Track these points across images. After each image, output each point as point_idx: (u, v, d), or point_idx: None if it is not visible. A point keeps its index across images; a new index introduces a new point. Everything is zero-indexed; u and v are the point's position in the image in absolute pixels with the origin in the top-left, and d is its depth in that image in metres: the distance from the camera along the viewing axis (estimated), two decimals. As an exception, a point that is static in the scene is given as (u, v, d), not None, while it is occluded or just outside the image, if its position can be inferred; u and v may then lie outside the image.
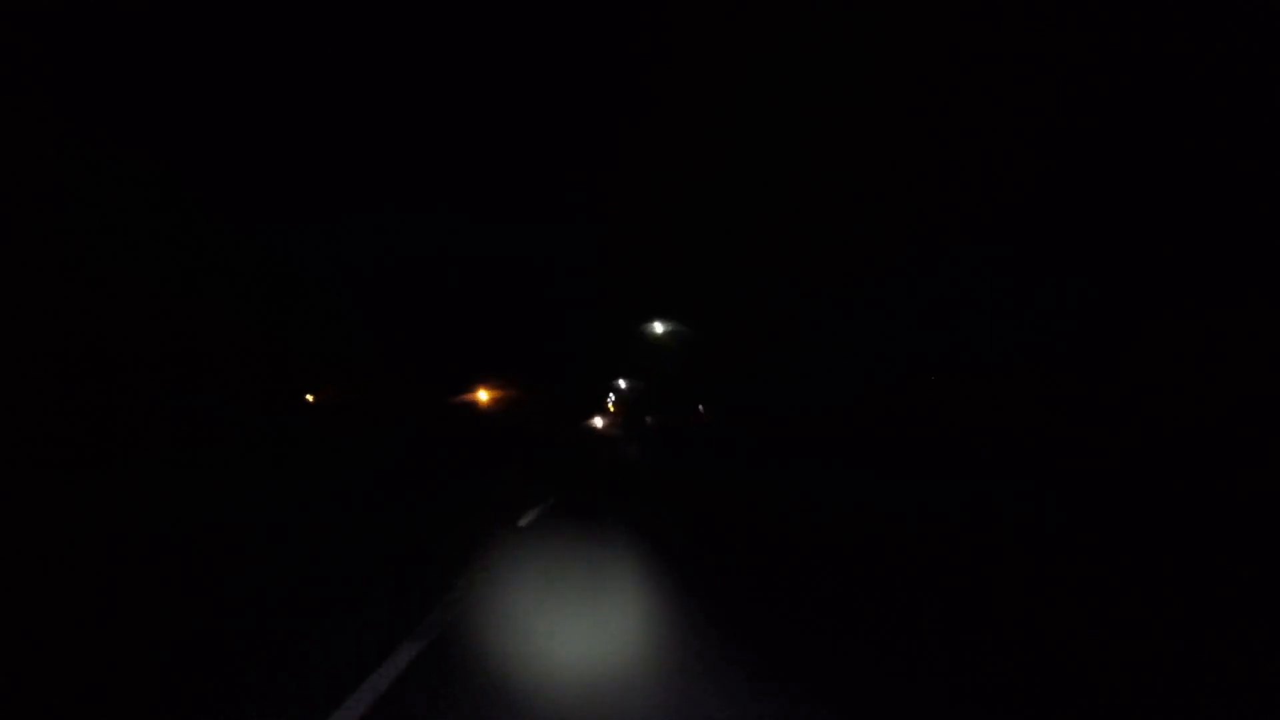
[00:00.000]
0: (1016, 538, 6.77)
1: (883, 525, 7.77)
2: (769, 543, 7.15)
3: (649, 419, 57.72)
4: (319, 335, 23.81)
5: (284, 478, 15.55)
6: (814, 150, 20.36)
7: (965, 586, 5.12)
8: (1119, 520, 7.40)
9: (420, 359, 30.49)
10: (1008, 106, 14.75)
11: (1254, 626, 4.05)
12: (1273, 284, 10.93)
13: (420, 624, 4.43)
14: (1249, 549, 5.88)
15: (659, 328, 36.04)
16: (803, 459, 17.38)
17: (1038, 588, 4.99)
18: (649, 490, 13.00)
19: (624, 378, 64.66)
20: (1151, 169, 12.59)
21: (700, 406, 43.65)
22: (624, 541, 7.27)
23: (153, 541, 7.89)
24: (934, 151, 16.93)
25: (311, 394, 26.29)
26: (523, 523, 8.42)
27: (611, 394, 73.79)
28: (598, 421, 66.83)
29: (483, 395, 36.48)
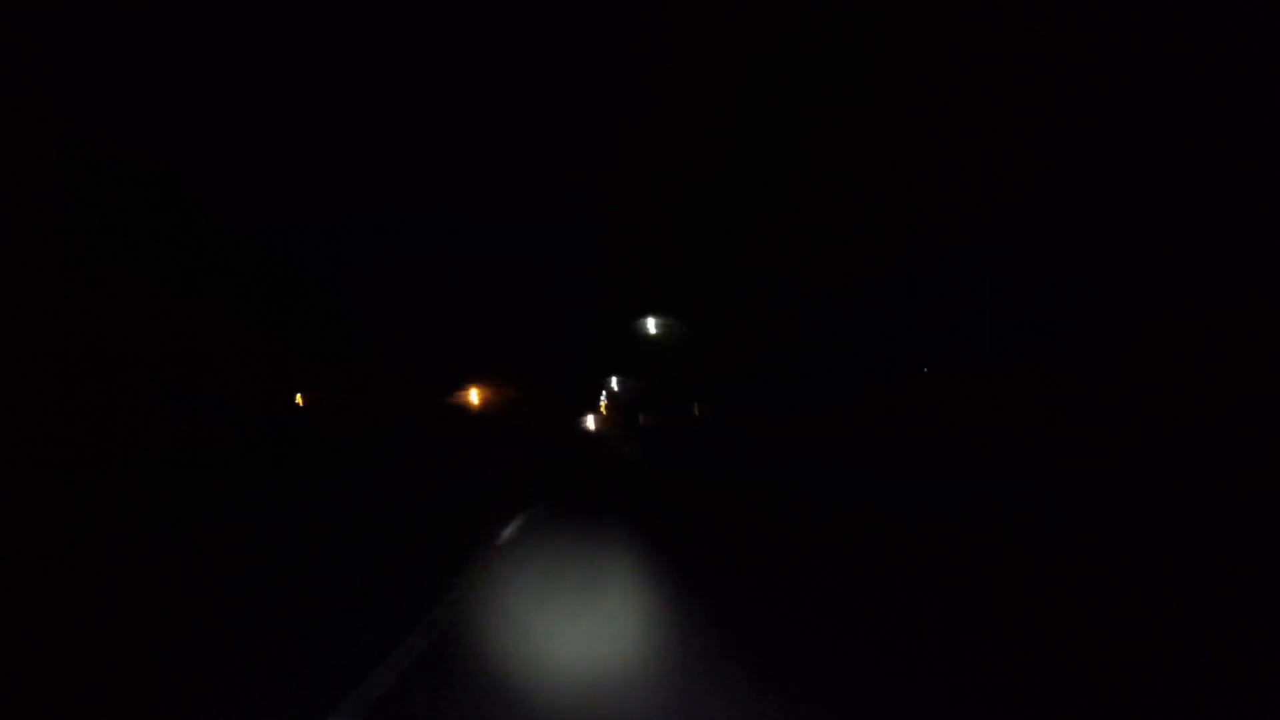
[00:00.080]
0: (1016, 538, 6.77)
1: (883, 525, 7.77)
2: (769, 543, 7.14)
3: (642, 419, 57.73)
4: (319, 335, 23.81)
5: (283, 477, 15.56)
6: (814, 150, 20.36)
7: (965, 586, 5.12)
8: (1119, 520, 7.40)
9: (418, 359, 30.49)
10: (1008, 106, 14.75)
11: (1254, 626, 4.05)
12: (1273, 284, 10.94)
13: (420, 624, 4.43)
14: (1249, 549, 5.88)
15: (654, 327, 35.97)
16: (802, 459, 17.38)
17: (1038, 588, 4.99)
18: (648, 490, 13.00)
19: (616, 377, 64.57)
20: (1151, 169, 12.59)
21: (695, 406, 43.58)
22: (624, 541, 7.26)
23: (153, 542, 7.89)
24: (934, 151, 16.93)
25: (301, 395, 26.28)
26: (523, 522, 8.41)
27: (604, 394, 73.74)
28: (590, 422, 66.89)
29: (481, 395, 36.47)
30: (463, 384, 35.70)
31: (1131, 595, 4.73)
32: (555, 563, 6.32)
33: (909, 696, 3.27)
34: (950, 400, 19.23)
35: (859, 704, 3.19)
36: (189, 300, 17.42)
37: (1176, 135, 11.96)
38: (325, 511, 10.20)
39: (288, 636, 4.26)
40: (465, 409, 36.09)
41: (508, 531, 7.78)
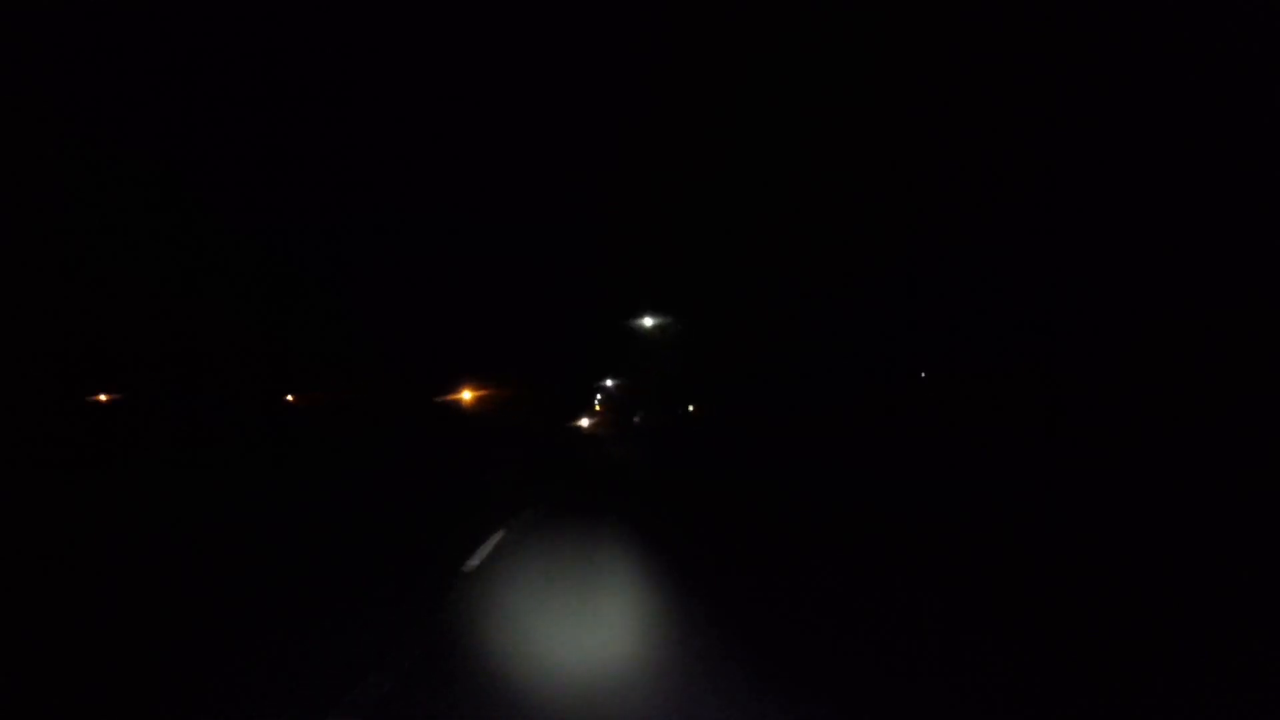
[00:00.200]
0: (1016, 538, 6.77)
1: (883, 525, 7.77)
2: (769, 543, 7.14)
3: (637, 419, 57.70)
4: (318, 335, 23.82)
5: (283, 477, 15.55)
6: (814, 150, 20.36)
7: (965, 586, 5.12)
8: (1119, 520, 7.40)
9: (417, 358, 30.49)
10: (1008, 106, 14.75)
11: (1254, 626, 4.05)
12: (1273, 284, 10.93)
13: (420, 624, 4.43)
14: (1249, 549, 5.88)
15: (652, 326, 35.89)
16: (801, 459, 17.38)
17: (1038, 588, 4.99)
18: (648, 490, 13.00)
19: (611, 377, 64.49)
20: (1151, 169, 12.59)
21: (691, 406, 43.51)
22: (624, 541, 7.27)
23: (153, 541, 7.89)
24: (934, 151, 16.93)
25: (301, 395, 26.26)
26: (523, 522, 8.41)
27: (598, 393, 73.69)
28: (584, 421, 66.94)
29: (480, 395, 36.45)
30: (460, 384, 35.70)
31: (1131, 595, 4.73)
32: (555, 563, 6.32)
33: (909, 696, 3.27)
34: (949, 400, 19.22)
35: (859, 704, 3.19)
36: (189, 300, 17.42)
37: (1176, 136, 11.95)
38: (325, 511, 10.20)
39: (288, 636, 4.26)
40: (463, 408, 36.09)
41: (507, 532, 7.78)
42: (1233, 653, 3.65)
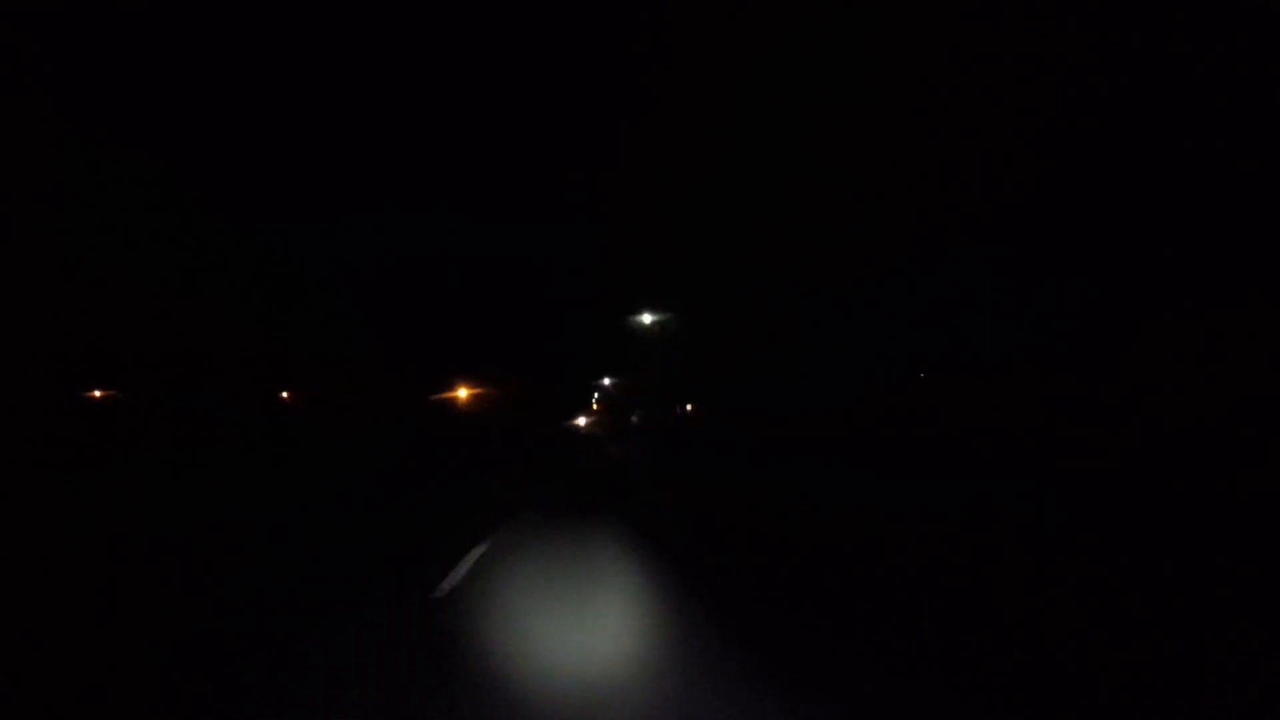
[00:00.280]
0: (1016, 538, 6.77)
1: (883, 525, 7.77)
2: (769, 543, 7.15)
3: (635, 418, 57.71)
4: (318, 334, 23.83)
5: (283, 477, 15.55)
6: (814, 150, 20.36)
7: (965, 586, 5.12)
8: (1119, 520, 7.41)
9: (416, 358, 30.51)
10: (1008, 106, 14.75)
11: (1254, 626, 4.05)
12: (1273, 284, 10.94)
13: (420, 622, 4.43)
14: (1249, 549, 5.88)
15: (651, 326, 35.86)
16: (801, 458, 17.38)
17: (1038, 588, 4.99)
18: (647, 490, 13.00)
19: (608, 375, 64.50)
20: (1151, 169, 12.59)
21: (689, 405, 43.46)
22: (624, 541, 7.27)
23: (153, 541, 7.89)
24: (934, 151, 16.93)
25: (300, 395, 26.25)
26: (522, 522, 8.42)
27: (596, 392, 73.74)
28: (582, 420, 67.06)
29: (478, 395, 36.44)
30: (458, 382, 35.70)
31: (1131, 595, 4.73)
32: (555, 562, 6.32)
33: (909, 696, 3.27)
34: (949, 400, 19.22)
35: (859, 704, 3.19)
36: (187, 298, 17.43)
37: (1176, 136, 11.96)
38: (325, 511, 10.20)
39: (288, 636, 4.26)
40: (461, 407, 36.08)
41: (508, 530, 7.78)
42: (1233, 653, 3.66)
